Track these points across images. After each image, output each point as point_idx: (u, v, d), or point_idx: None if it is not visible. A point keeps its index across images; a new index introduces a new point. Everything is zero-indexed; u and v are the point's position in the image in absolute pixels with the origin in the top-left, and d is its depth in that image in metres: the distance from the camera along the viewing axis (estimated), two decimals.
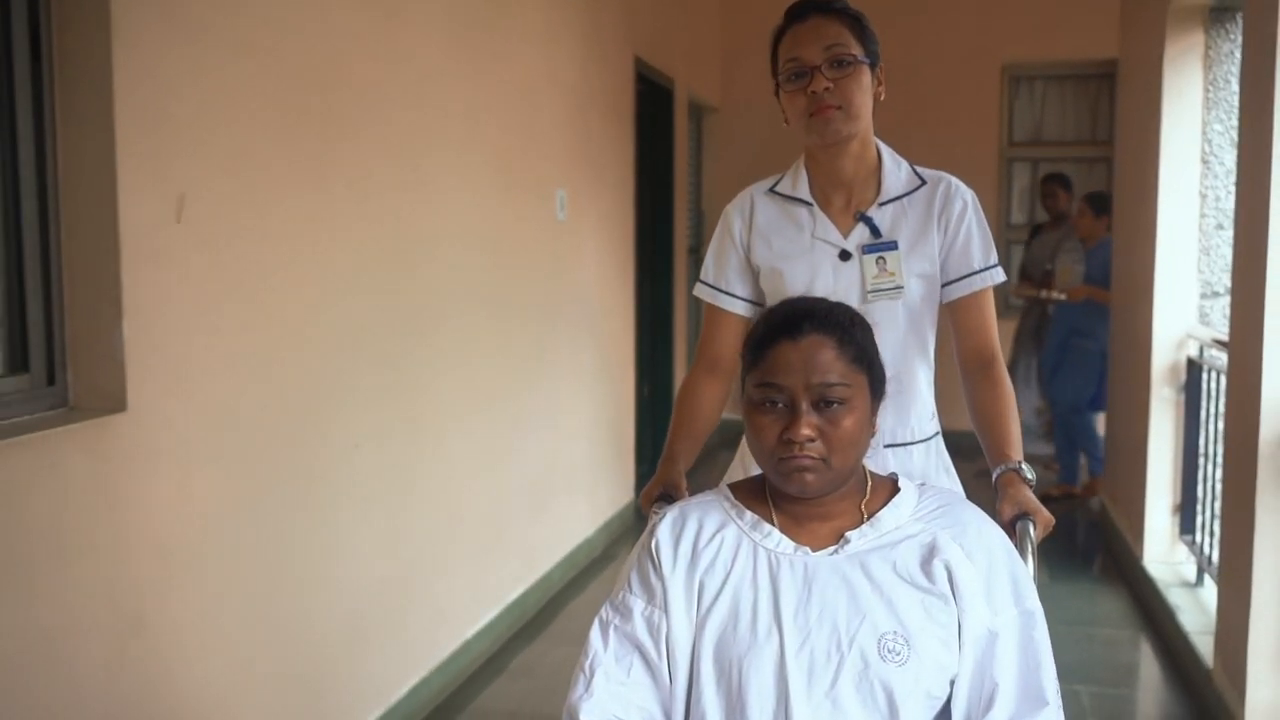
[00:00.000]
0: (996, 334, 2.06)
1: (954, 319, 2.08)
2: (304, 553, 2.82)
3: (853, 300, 1.97)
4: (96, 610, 2.13)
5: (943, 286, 2.06)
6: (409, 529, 3.39)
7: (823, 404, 1.47)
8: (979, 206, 2.07)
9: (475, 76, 3.80)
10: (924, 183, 2.05)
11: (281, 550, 2.74)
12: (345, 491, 3.02)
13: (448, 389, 3.64)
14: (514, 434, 4.24)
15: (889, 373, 1.64)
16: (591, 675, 1.50)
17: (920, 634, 1.44)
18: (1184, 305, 4.70)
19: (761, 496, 1.57)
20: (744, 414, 1.53)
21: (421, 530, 3.46)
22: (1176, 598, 4.24)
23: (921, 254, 2.02)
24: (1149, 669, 4.02)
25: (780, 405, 1.48)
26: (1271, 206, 3.10)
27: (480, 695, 3.63)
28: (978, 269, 2.04)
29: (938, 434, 2.14)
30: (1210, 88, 4.55)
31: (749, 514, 1.56)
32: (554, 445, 4.66)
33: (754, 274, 2.10)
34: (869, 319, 1.71)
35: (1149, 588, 4.50)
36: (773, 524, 1.54)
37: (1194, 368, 4.59)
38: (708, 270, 2.14)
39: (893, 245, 2.00)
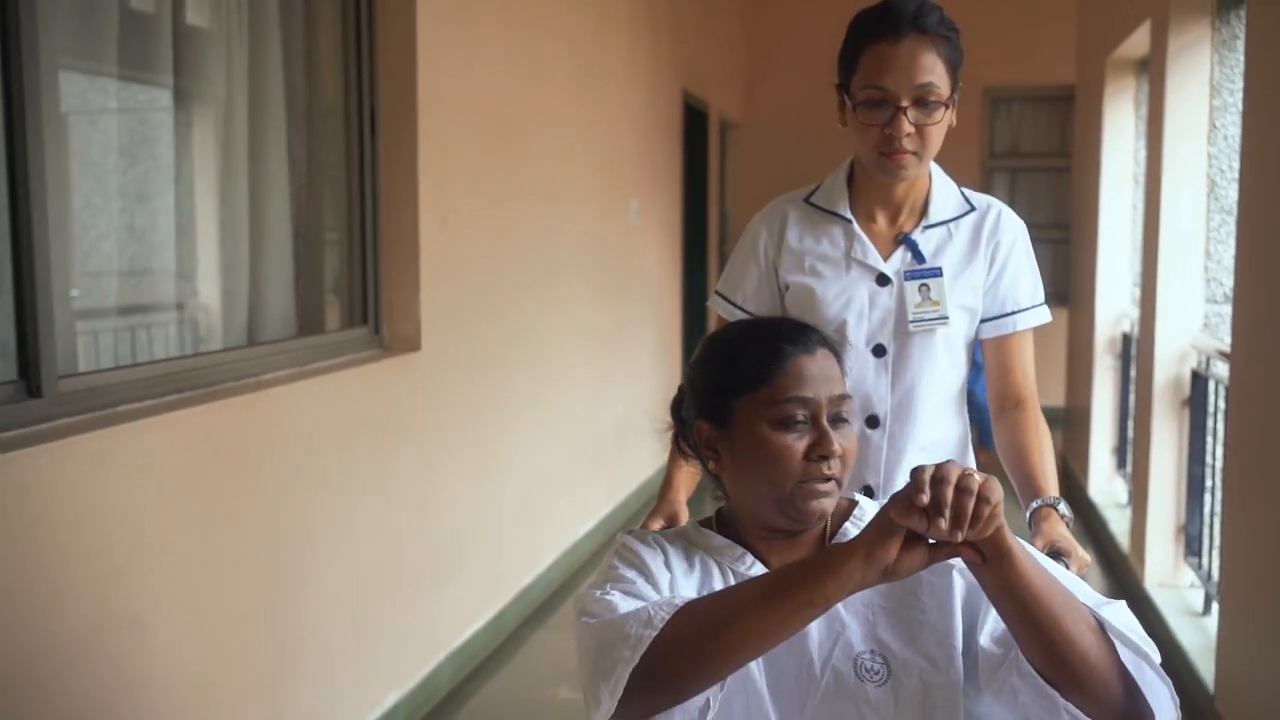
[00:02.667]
0: (1034, 376, 1.95)
1: (989, 357, 1.95)
2: (490, 448, 4.13)
3: (889, 329, 1.90)
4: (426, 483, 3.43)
5: (981, 322, 1.94)
6: (546, 449, 4.70)
7: (838, 420, 1.39)
8: (1028, 238, 1.95)
9: (585, 116, 5.11)
10: (973, 208, 1.93)
11: (482, 439, 4.04)
12: (529, 403, 4.37)
13: (569, 338, 4.97)
14: (608, 383, 5.55)
15: (924, 415, 1.70)
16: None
17: (900, 651, 1.37)
18: (1121, 301, 6.02)
19: (728, 530, 1.46)
20: (749, 441, 1.38)
21: (545, 454, 4.77)
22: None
23: (966, 284, 1.91)
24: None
25: (800, 423, 1.37)
26: (1161, 220, 4.43)
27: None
28: (1025, 307, 1.93)
29: None
30: (1139, 122, 5.87)
31: (718, 538, 1.45)
32: (629, 399, 5.97)
33: (778, 290, 1.97)
34: (903, 353, 1.79)
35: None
36: (744, 547, 1.43)
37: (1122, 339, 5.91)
38: (725, 282, 2.02)
39: (937, 272, 1.88)
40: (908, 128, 1.77)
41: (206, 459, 2.50)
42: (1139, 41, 5.20)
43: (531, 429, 4.48)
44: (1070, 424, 6.93)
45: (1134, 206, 5.97)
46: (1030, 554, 1.26)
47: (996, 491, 1.18)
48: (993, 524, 1.18)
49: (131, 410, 2.33)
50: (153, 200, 2.69)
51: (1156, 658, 1.26)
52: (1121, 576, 4.89)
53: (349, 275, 3.40)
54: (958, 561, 1.31)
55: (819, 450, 1.35)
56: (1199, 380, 4.27)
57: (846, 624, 1.37)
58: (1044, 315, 1.95)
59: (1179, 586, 4.43)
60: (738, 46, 9.09)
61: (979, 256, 1.91)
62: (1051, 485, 1.82)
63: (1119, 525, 5.36)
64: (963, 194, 1.95)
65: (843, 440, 1.37)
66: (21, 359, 2.13)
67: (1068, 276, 7.18)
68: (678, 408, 1.52)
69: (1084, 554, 1.69)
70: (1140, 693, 1.25)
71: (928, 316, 1.87)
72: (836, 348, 1.45)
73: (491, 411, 4.06)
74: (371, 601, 3.20)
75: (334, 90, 3.34)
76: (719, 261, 8.43)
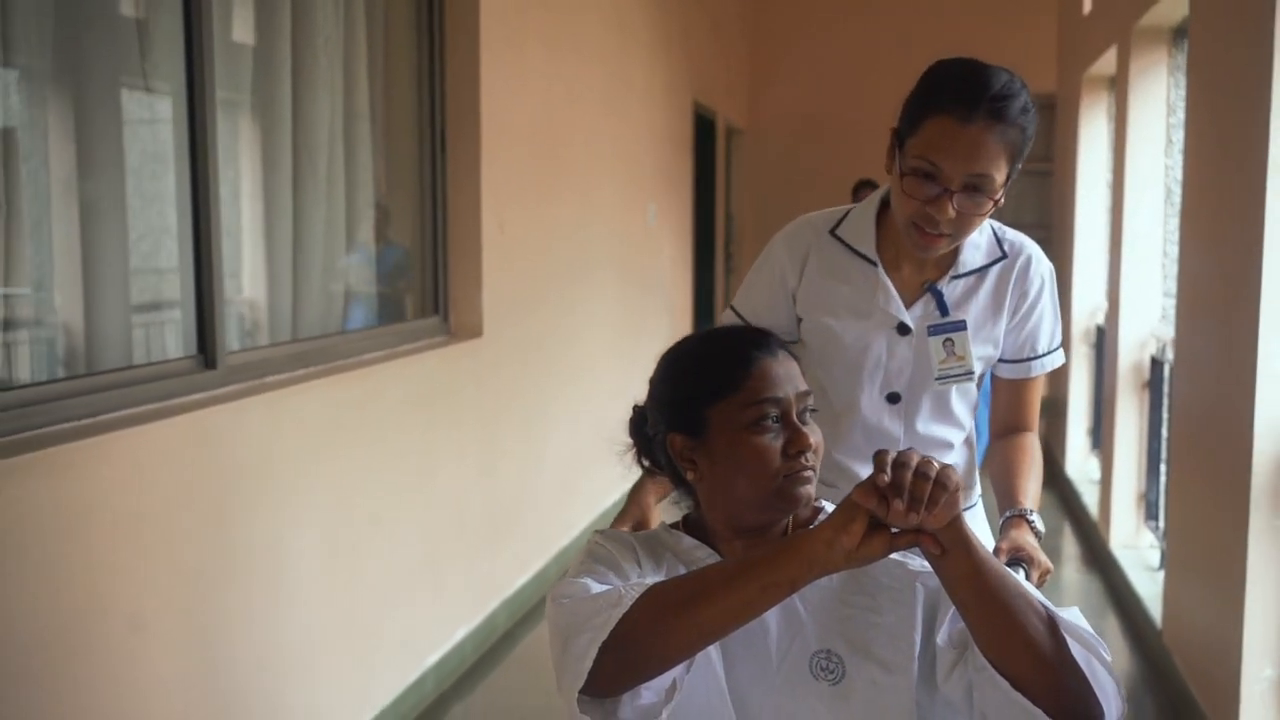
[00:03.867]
0: (1038, 411, 1.94)
1: (1000, 392, 1.94)
2: (524, 425, 4.69)
3: (905, 378, 1.89)
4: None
5: (999, 361, 1.93)
6: (579, 427, 5.26)
7: (806, 415, 1.44)
8: (1054, 282, 1.92)
9: (611, 129, 5.68)
10: (1005, 255, 1.87)
11: (530, 415, 4.61)
12: (567, 384, 4.93)
13: (598, 327, 5.54)
14: (629, 369, 6.11)
15: (934, 454, 1.66)
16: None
17: (856, 652, 1.40)
18: (1096, 295, 6.60)
19: (697, 533, 1.50)
20: (728, 445, 1.41)
21: (578, 432, 5.33)
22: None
23: (986, 337, 1.89)
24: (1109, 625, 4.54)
25: (774, 422, 1.41)
26: (1125, 226, 5.01)
27: None
28: (1041, 353, 1.92)
29: (976, 503, 2.03)
30: (1110, 133, 6.45)
31: (687, 539, 1.49)
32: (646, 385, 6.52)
33: (794, 319, 1.94)
34: (916, 400, 1.84)
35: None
36: (712, 548, 1.47)
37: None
38: (742, 301, 1.99)
39: (961, 325, 1.85)
40: (951, 213, 1.68)
41: (334, 420, 3.07)
42: (1109, 61, 5.77)
43: (568, 408, 5.05)
44: (1050, 410, 7.50)
45: (1107, 210, 6.54)
46: (987, 549, 1.31)
47: (953, 479, 1.23)
48: (949, 510, 1.23)
49: (280, 380, 2.90)
50: (275, 209, 3.24)
51: (1107, 656, 1.31)
52: (1091, 541, 5.47)
53: (422, 272, 3.97)
54: (922, 570, 1.40)
55: (795, 447, 1.40)
56: (1156, 365, 4.85)
57: (805, 623, 1.41)
58: (1058, 359, 1.93)
59: (1140, 547, 5.01)
60: (742, 57, 9.66)
61: (1004, 307, 1.88)
62: (1029, 499, 1.80)
63: (1091, 498, 5.94)
64: (996, 237, 1.88)
65: (813, 434, 1.42)
66: (200, 339, 2.70)
67: None
68: (640, 426, 1.56)
69: (1046, 560, 1.72)
70: (1090, 688, 1.28)
71: (954, 372, 1.86)
72: (791, 349, 1.50)
73: (537, 391, 4.63)
74: (446, 551, 3.77)
75: (411, 116, 3.90)
76: (725, 260, 9.02)
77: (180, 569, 2.45)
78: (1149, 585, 4.52)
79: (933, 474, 1.22)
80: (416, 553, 3.57)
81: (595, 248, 5.46)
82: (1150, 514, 4.92)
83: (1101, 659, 1.30)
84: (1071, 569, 5.26)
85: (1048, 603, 1.34)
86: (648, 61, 6.42)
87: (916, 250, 1.79)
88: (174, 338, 2.80)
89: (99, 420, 2.31)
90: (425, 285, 3.98)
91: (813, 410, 1.46)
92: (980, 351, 1.89)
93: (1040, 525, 1.77)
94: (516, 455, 4.40)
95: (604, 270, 5.61)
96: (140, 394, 2.46)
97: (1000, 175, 1.69)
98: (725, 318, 2.01)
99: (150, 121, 2.86)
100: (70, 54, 2.53)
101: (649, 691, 1.31)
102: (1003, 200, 1.73)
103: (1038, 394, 1.96)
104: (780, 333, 1.76)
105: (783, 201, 6.86)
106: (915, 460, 1.23)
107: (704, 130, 8.29)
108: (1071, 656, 1.28)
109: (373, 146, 3.69)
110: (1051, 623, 1.30)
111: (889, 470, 1.22)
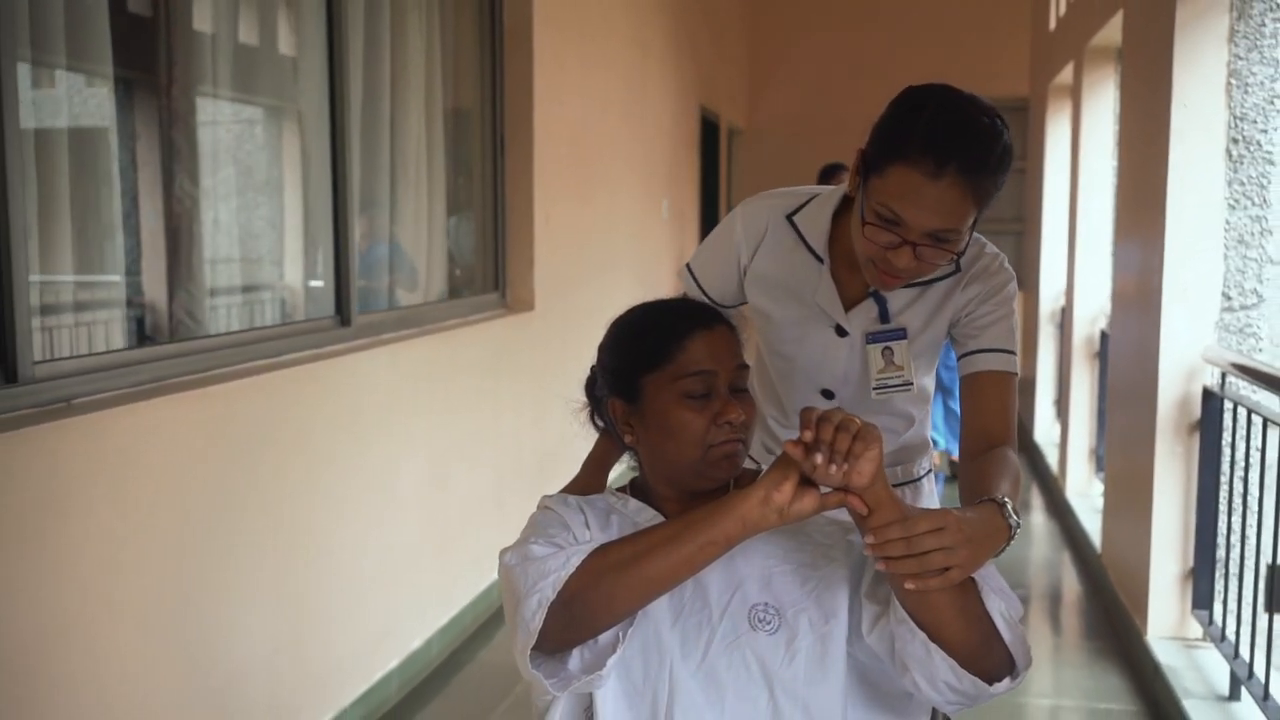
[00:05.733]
0: (1014, 425, 1.79)
1: (964, 401, 1.82)
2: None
3: (837, 377, 1.89)
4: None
5: (960, 358, 1.84)
6: None
7: (737, 387, 1.48)
8: (1013, 297, 1.84)
9: (631, 133, 6.47)
10: (958, 270, 1.80)
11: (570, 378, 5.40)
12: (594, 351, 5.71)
13: (622, 303, 6.31)
14: None
15: (892, 437, 1.81)
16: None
17: (792, 604, 1.45)
18: (1059, 282, 7.39)
19: (642, 495, 1.55)
20: (659, 413, 1.47)
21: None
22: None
23: (927, 342, 1.86)
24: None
25: (704, 395, 1.45)
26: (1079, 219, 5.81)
27: None
28: (987, 348, 1.80)
29: (924, 475, 2.04)
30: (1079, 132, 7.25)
31: (633, 502, 1.55)
32: None
33: (742, 293, 1.95)
34: (851, 401, 1.84)
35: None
36: (657, 510, 1.52)
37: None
38: (698, 263, 2.00)
39: (900, 334, 1.82)
40: (910, 263, 1.62)
41: (429, 371, 3.86)
42: (1069, 73, 6.57)
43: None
44: (1023, 385, 8.32)
45: (1068, 206, 7.34)
46: (911, 511, 1.34)
47: (874, 435, 1.29)
48: (870, 465, 1.28)
49: (396, 336, 3.69)
50: (375, 203, 4.02)
51: (1018, 612, 1.40)
52: (1052, 493, 6.28)
53: (483, 255, 4.75)
54: (852, 528, 1.46)
55: (722, 418, 1.44)
56: (1105, 338, 5.65)
57: (744, 578, 1.47)
58: (1008, 363, 1.80)
59: (1090, 495, 5.82)
60: (741, 62, 10.46)
61: (947, 316, 1.83)
62: (1000, 493, 1.50)
63: (1053, 458, 6.75)
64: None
65: (743, 407, 1.46)
66: (337, 301, 3.47)
67: (1023, 264, 8.55)
68: (591, 388, 1.65)
69: (978, 560, 1.40)
70: (1002, 641, 1.37)
71: (892, 383, 1.83)
72: (734, 323, 1.53)
73: (577, 357, 5.36)
74: (508, 483, 4.55)
75: (476, 125, 4.68)
76: None
77: (325, 483, 3.23)
78: (1094, 523, 5.32)
79: (854, 429, 1.29)
80: (487, 481, 4.35)
81: (620, 239, 6.25)
82: (1100, 466, 5.72)
83: (1012, 616, 1.39)
84: (1038, 516, 6.06)
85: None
86: (661, 72, 7.20)
87: (874, 284, 1.77)
88: (315, 304, 3.58)
89: (274, 360, 3.07)
90: (487, 266, 4.76)
91: (745, 388, 1.49)
92: (919, 357, 1.86)
93: (1014, 515, 1.46)
94: (560, 409, 5.17)
95: (627, 257, 6.41)
96: (299, 343, 3.24)
97: (966, 226, 1.62)
98: (681, 276, 2.04)
99: (247, 126, 3.63)
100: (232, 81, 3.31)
101: (594, 646, 1.39)
102: (967, 244, 1.67)
103: (1007, 402, 1.79)
104: (729, 299, 1.92)
105: None
106: (838, 418, 1.29)
107: (709, 131, 9.07)
108: (986, 612, 1.37)
109: (445, 149, 4.46)
110: (969, 580, 1.36)
111: (814, 426, 1.29)
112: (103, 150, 3.07)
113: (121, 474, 2.35)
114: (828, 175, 5.83)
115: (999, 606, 1.37)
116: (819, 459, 1.28)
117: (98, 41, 2.75)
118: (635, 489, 1.58)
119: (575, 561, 1.37)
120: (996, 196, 1.64)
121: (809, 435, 1.29)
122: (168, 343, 3.01)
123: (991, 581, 1.39)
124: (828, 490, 1.33)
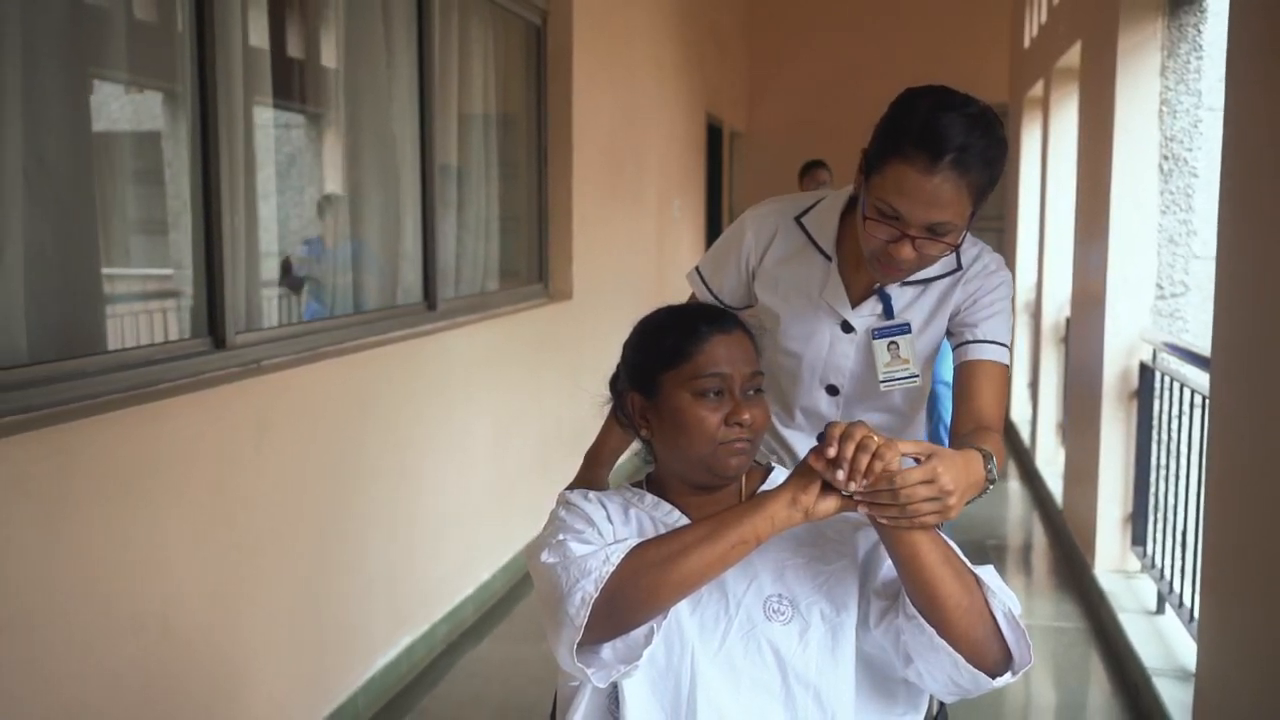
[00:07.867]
0: (1000, 413, 1.85)
1: (956, 390, 1.88)
2: None
3: (844, 373, 1.97)
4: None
5: (955, 347, 1.92)
6: None
7: (751, 391, 1.56)
8: (1008, 293, 1.92)
9: (649, 140, 7.21)
10: (960, 268, 1.89)
11: (601, 363, 6.13)
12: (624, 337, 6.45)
13: (643, 301, 7.03)
14: None
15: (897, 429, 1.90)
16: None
17: (805, 596, 1.53)
18: (1033, 274, 8.13)
19: (657, 490, 1.63)
20: (674, 409, 1.54)
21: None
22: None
23: (931, 337, 1.93)
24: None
25: (717, 394, 1.53)
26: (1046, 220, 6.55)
27: None
28: (982, 339, 1.88)
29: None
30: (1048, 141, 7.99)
31: (650, 497, 1.62)
32: None
33: (751, 295, 2.03)
34: (855, 395, 1.95)
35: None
36: (672, 504, 1.60)
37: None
38: (706, 266, 2.09)
39: (905, 329, 1.89)
40: (910, 255, 1.71)
41: (491, 350, 4.60)
42: (1040, 88, 7.31)
43: None
44: None
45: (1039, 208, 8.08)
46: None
47: (892, 454, 1.37)
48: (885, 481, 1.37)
49: (467, 319, 4.42)
50: (442, 204, 4.74)
51: (1018, 610, 1.46)
52: (1025, 462, 7.04)
53: (528, 250, 5.48)
54: (863, 525, 1.53)
55: (732, 418, 1.52)
56: (1070, 325, 6.39)
57: (759, 571, 1.54)
58: (1000, 354, 1.88)
59: (1056, 463, 6.56)
60: (742, 69, 11.20)
61: (946, 308, 1.91)
62: (988, 446, 1.61)
63: (1026, 432, 7.50)
64: (957, 250, 1.81)
65: (753, 410, 1.54)
66: (425, 288, 4.20)
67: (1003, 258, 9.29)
68: (615, 383, 1.72)
69: (954, 510, 1.42)
70: (1004, 639, 1.45)
71: (898, 376, 1.90)
72: (752, 330, 1.61)
73: (608, 343, 6.12)
74: (550, 450, 5.27)
75: (523, 136, 5.41)
76: None
77: (419, 436, 3.96)
78: (1059, 486, 6.07)
79: (872, 448, 1.37)
80: (534, 446, 5.08)
81: (640, 238, 6.99)
82: (1065, 438, 6.47)
83: (1013, 614, 1.46)
84: (1014, 484, 6.80)
85: (968, 563, 1.47)
86: (673, 82, 7.93)
87: (878, 277, 1.84)
88: (402, 290, 4.30)
89: (365, 340, 3.75)
90: (533, 260, 5.49)
91: (759, 392, 1.57)
92: (921, 350, 1.93)
93: (994, 471, 1.57)
94: (593, 390, 5.90)
95: (647, 254, 7.14)
96: (388, 325, 3.95)
97: (963, 218, 1.69)
98: (690, 278, 2.14)
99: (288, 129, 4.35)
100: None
101: (627, 638, 1.44)
102: (965, 237, 1.75)
103: (997, 390, 1.87)
104: (738, 301, 2.00)
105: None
106: (859, 434, 1.38)
107: (712, 135, 9.80)
108: (990, 611, 1.44)
109: (501, 160, 5.18)
110: (975, 581, 1.45)
111: (836, 443, 1.38)
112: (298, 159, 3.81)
113: (295, 417, 3.09)
114: (807, 171, 6.41)
115: (1002, 606, 1.45)
116: (840, 475, 1.38)
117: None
118: (651, 484, 1.66)
119: (616, 559, 1.43)
120: (992, 191, 1.72)
121: (832, 452, 1.38)
122: (324, 319, 3.71)
123: (993, 582, 1.47)
124: (848, 494, 1.41)
